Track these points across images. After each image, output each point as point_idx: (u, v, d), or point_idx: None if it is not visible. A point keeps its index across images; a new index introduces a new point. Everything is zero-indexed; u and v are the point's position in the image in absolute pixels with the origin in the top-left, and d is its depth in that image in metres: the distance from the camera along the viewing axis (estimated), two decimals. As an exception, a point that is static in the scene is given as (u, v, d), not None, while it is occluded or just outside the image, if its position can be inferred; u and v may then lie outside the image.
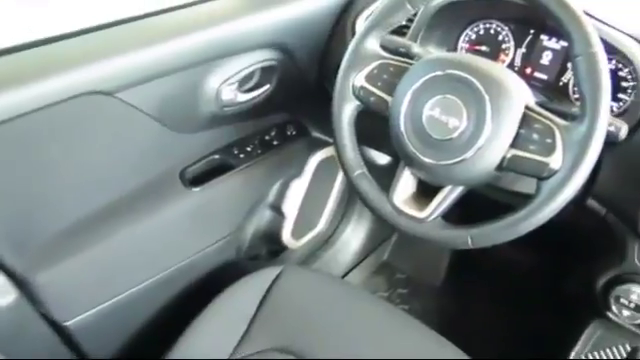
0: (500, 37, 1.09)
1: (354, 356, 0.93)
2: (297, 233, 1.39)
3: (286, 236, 1.35)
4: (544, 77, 1.05)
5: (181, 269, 1.15)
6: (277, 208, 1.32)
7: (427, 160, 0.83)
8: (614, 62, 0.98)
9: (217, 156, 1.19)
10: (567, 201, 0.77)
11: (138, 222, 1.04)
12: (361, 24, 1.09)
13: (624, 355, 1.01)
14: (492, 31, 1.09)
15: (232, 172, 1.18)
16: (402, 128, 0.84)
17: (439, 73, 0.82)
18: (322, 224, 1.49)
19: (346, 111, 0.91)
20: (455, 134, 0.80)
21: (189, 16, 1.01)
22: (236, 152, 1.21)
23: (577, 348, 1.07)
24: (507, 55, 1.08)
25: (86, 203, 0.99)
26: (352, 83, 0.90)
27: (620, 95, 0.97)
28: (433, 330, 0.99)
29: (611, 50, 0.94)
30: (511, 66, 1.08)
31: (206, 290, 1.04)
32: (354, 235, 1.60)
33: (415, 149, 0.83)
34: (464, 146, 0.80)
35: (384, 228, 1.67)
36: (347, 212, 1.59)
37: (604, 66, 0.75)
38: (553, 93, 1.01)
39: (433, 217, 0.85)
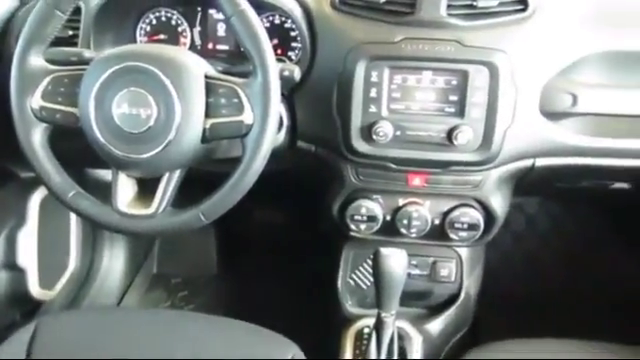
0: (173, 22, 1.11)
1: None
2: (47, 282, 1.28)
3: (35, 290, 1.24)
4: (226, 47, 1.11)
5: None
6: (11, 265, 1.19)
7: (134, 157, 0.82)
8: (278, 17, 1.07)
9: None
10: (271, 148, 0.83)
11: None
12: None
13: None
14: (164, 18, 1.11)
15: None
16: (98, 134, 0.83)
17: (115, 68, 0.82)
18: (73, 263, 1.40)
19: (35, 137, 0.86)
20: (151, 122, 0.81)
21: None
22: None
23: (341, 274, 1.17)
24: (186, 37, 1.12)
25: None
26: (30, 106, 0.85)
27: (293, 44, 1.07)
28: (223, 317, 1.00)
29: (270, 7, 1.03)
30: (194, 46, 1.12)
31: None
32: (114, 260, 1.54)
33: (119, 150, 0.83)
34: (163, 131, 0.81)
35: (143, 242, 1.63)
36: (97, 239, 1.52)
37: (256, 20, 0.82)
38: (237, 59, 1.07)
39: (162, 209, 0.85)
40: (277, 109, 0.82)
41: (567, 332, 1.03)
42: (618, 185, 1.16)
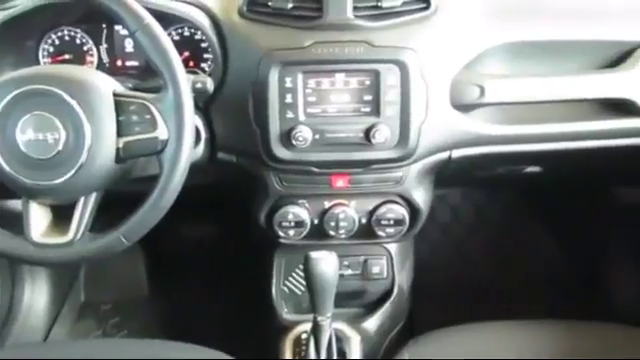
0: (77, 41, 1.08)
1: None
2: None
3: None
4: (135, 63, 1.08)
5: None
6: None
7: (45, 184, 0.79)
8: (187, 29, 1.05)
9: None
10: (189, 162, 0.81)
11: None
12: None
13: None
14: (67, 38, 1.07)
15: None
16: (3, 164, 0.79)
17: (16, 93, 0.79)
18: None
19: None
20: (60, 147, 0.78)
21: None
22: None
23: (274, 282, 1.17)
24: (92, 56, 1.08)
25: None
26: None
27: (205, 56, 1.06)
28: (158, 339, 0.97)
29: (177, 19, 1.01)
30: (102, 64, 1.09)
31: None
32: (36, 293, 1.46)
33: (27, 179, 0.79)
34: (74, 154, 0.79)
35: (67, 270, 1.56)
36: (16, 273, 1.44)
37: (162, 33, 0.80)
38: (148, 75, 1.04)
39: (80, 235, 0.82)
40: (192, 122, 0.81)
41: (500, 315, 1.07)
42: (531, 169, 1.21)
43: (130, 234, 0.81)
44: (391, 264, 1.15)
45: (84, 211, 0.82)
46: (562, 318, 1.06)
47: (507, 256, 1.67)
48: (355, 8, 0.93)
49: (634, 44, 1.00)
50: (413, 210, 1.07)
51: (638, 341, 1.03)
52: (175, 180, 0.80)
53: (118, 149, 0.80)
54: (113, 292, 1.58)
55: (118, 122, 0.80)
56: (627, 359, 0.94)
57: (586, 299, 1.56)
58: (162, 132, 0.79)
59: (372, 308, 1.16)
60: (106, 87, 0.81)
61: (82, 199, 0.82)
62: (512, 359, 0.95)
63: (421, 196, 1.07)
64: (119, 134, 0.80)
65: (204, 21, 0.99)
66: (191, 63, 1.06)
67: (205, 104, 0.99)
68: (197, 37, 1.04)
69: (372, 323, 1.14)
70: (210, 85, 0.92)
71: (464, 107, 0.98)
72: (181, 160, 0.79)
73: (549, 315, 1.07)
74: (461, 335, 1.04)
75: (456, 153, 1.03)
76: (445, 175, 1.11)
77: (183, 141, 0.79)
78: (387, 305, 1.15)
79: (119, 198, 0.85)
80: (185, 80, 0.80)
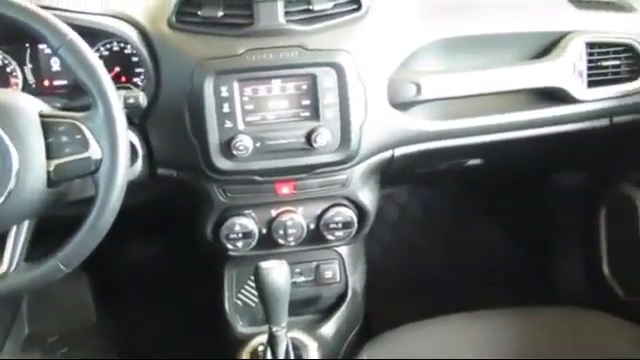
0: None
1: None
2: None
3: None
4: (64, 82, 1.04)
5: None
6: None
7: None
8: (116, 44, 1.02)
9: None
10: (126, 181, 0.78)
11: None
12: None
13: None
14: None
15: None
16: None
17: None
18: None
19: None
20: None
21: None
22: None
23: (227, 295, 1.14)
24: (17, 77, 1.03)
25: None
26: None
27: (137, 70, 1.03)
28: None
29: (105, 34, 0.98)
30: (27, 86, 1.04)
31: None
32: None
33: None
34: (1, 180, 0.74)
35: (7, 303, 1.49)
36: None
37: (86, 49, 0.77)
38: (78, 93, 1.00)
39: (15, 266, 0.78)
40: (126, 139, 0.78)
41: (454, 308, 1.08)
42: (472, 162, 1.23)
43: (68, 260, 0.78)
44: (343, 267, 1.15)
45: (17, 240, 0.78)
46: (513, 305, 1.08)
47: (457, 249, 1.69)
48: (286, 13, 0.93)
49: (560, 34, 1.03)
50: (360, 211, 1.06)
51: (587, 321, 1.06)
52: (112, 200, 0.77)
53: (49, 172, 0.76)
54: (59, 322, 1.52)
55: (47, 144, 0.76)
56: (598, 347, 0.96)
57: (534, 284, 1.60)
58: (95, 151, 0.76)
59: (328, 313, 1.15)
60: (31, 109, 0.77)
61: (14, 228, 0.78)
62: (470, 358, 0.96)
63: (367, 197, 1.06)
64: (49, 157, 0.76)
65: (132, 34, 0.96)
66: (123, 78, 1.03)
67: (140, 119, 0.96)
68: (127, 51, 1.01)
69: (329, 328, 1.13)
70: (143, 99, 0.89)
71: (402, 105, 0.99)
72: (117, 179, 0.76)
73: (501, 303, 1.09)
74: (417, 332, 1.05)
75: (398, 151, 1.03)
76: (390, 174, 1.11)
77: (118, 159, 0.76)
78: (342, 309, 1.14)
79: (56, 224, 0.81)
80: (115, 96, 0.77)
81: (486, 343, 1.01)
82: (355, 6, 0.96)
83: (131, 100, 0.87)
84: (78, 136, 0.76)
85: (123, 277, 1.50)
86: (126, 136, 0.78)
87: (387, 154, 1.02)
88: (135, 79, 1.03)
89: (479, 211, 1.76)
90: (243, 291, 1.15)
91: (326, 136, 0.94)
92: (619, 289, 1.42)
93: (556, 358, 0.97)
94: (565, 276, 1.60)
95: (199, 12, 0.93)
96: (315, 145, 0.94)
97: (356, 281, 1.18)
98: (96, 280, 1.53)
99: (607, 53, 1.03)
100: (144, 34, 0.96)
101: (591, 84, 1.03)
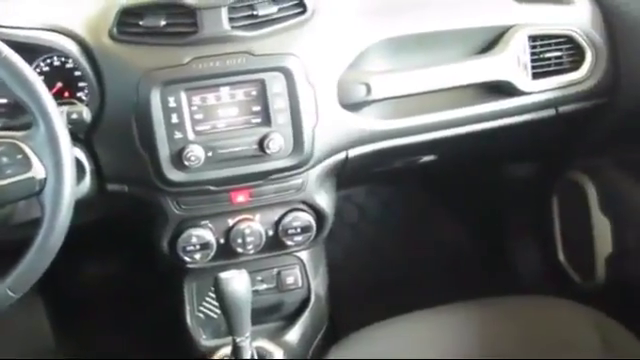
0: None
1: None
2: None
3: None
4: (2, 101, 1.00)
5: None
6: None
7: None
8: (56, 58, 0.99)
9: None
10: (74, 199, 0.76)
11: None
12: None
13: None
14: None
15: None
16: None
17: None
18: None
19: None
20: None
21: None
22: None
23: (188, 309, 1.12)
24: None
25: None
26: None
27: (80, 84, 0.99)
28: None
29: (44, 49, 0.95)
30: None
31: None
32: None
33: None
34: None
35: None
36: None
37: (23, 65, 0.75)
38: (18, 111, 0.97)
39: None
40: (71, 156, 0.75)
41: (418, 305, 1.09)
42: (426, 158, 1.24)
43: (17, 285, 0.75)
44: (305, 272, 1.14)
45: None
46: (476, 297, 1.09)
47: (418, 246, 1.71)
48: (231, 19, 0.91)
49: (503, 28, 1.05)
50: (318, 215, 1.06)
51: (547, 308, 1.08)
52: (60, 221, 0.74)
53: None
54: (15, 349, 1.46)
55: None
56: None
57: (494, 275, 1.62)
58: (38, 171, 0.73)
59: (292, 319, 1.14)
60: None
61: None
62: (435, 356, 0.97)
63: (324, 200, 1.06)
64: None
65: (73, 48, 0.93)
66: (66, 94, 0.99)
67: (86, 134, 0.93)
68: (68, 66, 0.98)
69: (294, 334, 1.12)
70: (87, 114, 0.86)
71: (353, 106, 0.99)
72: (63, 198, 0.74)
73: (464, 296, 1.10)
74: (383, 332, 1.05)
75: (352, 152, 1.03)
76: (346, 175, 1.11)
77: (63, 178, 0.74)
78: (306, 314, 1.14)
79: (2, 247, 0.78)
80: (57, 112, 0.74)
81: (452, 337, 1.02)
82: (300, 9, 0.95)
83: (74, 115, 0.84)
84: (19, 156, 0.73)
85: (81, 298, 1.46)
86: (71, 153, 0.75)
87: (341, 155, 1.02)
88: (79, 94, 1.00)
89: (437, 207, 1.78)
90: (204, 303, 1.13)
91: (279, 141, 0.93)
92: (575, 274, 1.45)
93: (519, 347, 0.98)
94: (524, 265, 1.63)
95: (141, 22, 0.91)
96: (268, 151, 0.93)
97: (318, 285, 1.18)
98: (52, 303, 1.48)
99: (549, 45, 1.05)
100: (85, 47, 0.94)
101: (535, 76, 1.05)
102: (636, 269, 1.24)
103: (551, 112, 1.09)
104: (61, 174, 0.74)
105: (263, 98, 0.93)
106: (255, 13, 0.92)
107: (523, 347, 0.98)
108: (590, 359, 0.94)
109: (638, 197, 1.19)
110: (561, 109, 1.09)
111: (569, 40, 1.06)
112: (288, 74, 0.92)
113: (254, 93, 0.93)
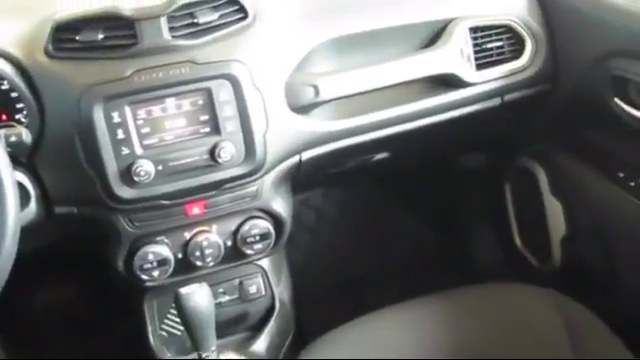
0: None
1: None
2: None
3: None
4: None
5: None
6: None
7: None
8: None
9: None
10: (18, 226, 0.73)
11: None
12: None
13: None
14: None
15: None
16: None
17: None
18: None
19: None
20: None
21: None
22: None
23: (150, 329, 1.09)
24: None
25: None
26: None
27: (18, 106, 0.95)
28: None
29: None
30: None
31: None
32: None
33: None
34: None
35: None
36: None
37: None
38: None
39: None
40: (12, 181, 0.72)
41: (384, 302, 1.08)
42: (379, 156, 1.25)
43: None
44: (267, 280, 1.13)
45: None
46: (440, 289, 1.10)
47: (378, 244, 1.71)
48: (171, 28, 0.89)
49: (444, 21, 1.06)
50: (276, 221, 1.05)
51: (508, 294, 1.10)
52: (5, 250, 0.71)
53: None
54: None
55: None
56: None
57: (455, 266, 1.65)
58: None
59: (258, 328, 1.12)
60: None
61: None
62: (402, 356, 0.97)
63: (281, 205, 1.05)
64: None
65: (7, 69, 0.89)
66: (3, 116, 0.95)
67: (28, 157, 0.89)
68: (4, 87, 0.94)
69: (261, 344, 1.10)
70: (27, 136, 0.83)
71: (303, 109, 0.98)
72: (7, 226, 0.70)
73: (427, 290, 1.10)
74: (349, 333, 1.04)
75: (305, 155, 1.02)
76: (301, 179, 1.11)
77: (5, 205, 0.70)
78: (272, 322, 1.12)
79: None
80: None
81: (418, 333, 1.02)
82: (241, 15, 0.94)
83: (13, 138, 0.81)
84: None
85: (35, 326, 1.40)
86: (12, 178, 0.72)
87: (294, 159, 1.01)
88: (17, 115, 0.95)
89: (394, 203, 1.79)
90: (167, 321, 1.10)
91: (230, 150, 0.92)
92: (533, 258, 1.48)
93: (486, 335, 0.99)
94: (483, 254, 1.66)
95: (77, 37, 0.88)
96: (220, 160, 0.92)
97: (282, 291, 1.17)
98: (6, 331, 1.42)
99: (490, 35, 1.07)
100: (20, 67, 0.90)
101: (479, 67, 1.07)
102: (590, 249, 1.27)
103: (497, 101, 1.11)
104: (3, 201, 0.70)
105: (210, 107, 0.91)
106: (196, 21, 0.91)
107: (489, 335, 0.99)
108: (555, 341, 0.96)
109: (586, 179, 1.22)
110: (506, 98, 1.11)
111: (509, 30, 1.08)
112: (234, 81, 0.91)
113: (201, 102, 0.91)
